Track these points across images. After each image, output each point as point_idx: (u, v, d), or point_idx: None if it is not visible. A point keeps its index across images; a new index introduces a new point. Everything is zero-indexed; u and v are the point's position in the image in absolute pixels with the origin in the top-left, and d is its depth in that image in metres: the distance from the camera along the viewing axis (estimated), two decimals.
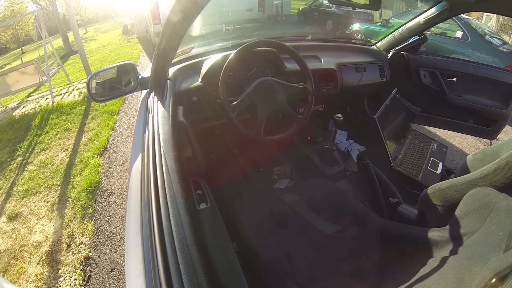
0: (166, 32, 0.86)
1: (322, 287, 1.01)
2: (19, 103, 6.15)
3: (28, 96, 6.54)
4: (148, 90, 1.17)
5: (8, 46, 18.08)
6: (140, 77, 1.11)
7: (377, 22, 5.87)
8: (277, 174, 1.69)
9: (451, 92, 1.89)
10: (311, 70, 1.39)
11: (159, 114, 0.92)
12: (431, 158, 1.69)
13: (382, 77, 1.88)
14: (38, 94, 6.48)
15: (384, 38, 1.97)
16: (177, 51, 1.61)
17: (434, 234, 0.92)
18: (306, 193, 1.32)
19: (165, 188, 0.64)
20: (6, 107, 6.20)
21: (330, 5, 7.22)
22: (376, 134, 1.63)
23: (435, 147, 1.80)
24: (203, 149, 1.29)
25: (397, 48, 1.96)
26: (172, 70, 1.35)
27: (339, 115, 1.50)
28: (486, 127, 1.90)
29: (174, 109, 1.02)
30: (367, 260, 1.05)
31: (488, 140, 2.79)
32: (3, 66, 13.28)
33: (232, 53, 1.22)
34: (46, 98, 5.63)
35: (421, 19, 1.66)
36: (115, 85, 1.10)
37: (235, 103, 1.22)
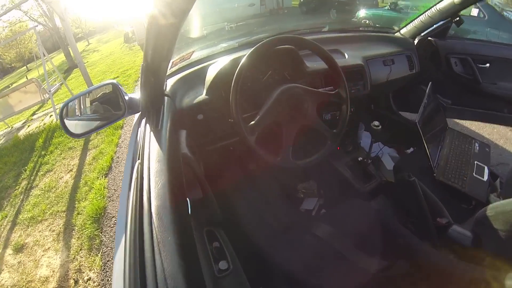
0: (151, 38, 0.64)
1: None
2: (24, 123, 6.10)
3: (33, 114, 6.49)
4: (140, 114, 0.95)
5: (13, 65, 18.30)
6: (127, 98, 0.89)
7: (384, 6, 5.61)
8: (303, 192, 1.47)
9: (484, 80, 1.69)
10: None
11: (152, 148, 0.71)
12: (475, 162, 1.45)
13: (411, 69, 1.64)
14: (42, 111, 6.42)
15: (409, 23, 1.72)
16: (174, 59, 1.40)
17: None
18: (341, 220, 1.09)
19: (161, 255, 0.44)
20: (12, 127, 6.15)
21: None
22: (410, 137, 1.48)
23: (477, 148, 1.55)
24: (216, 183, 1.10)
25: (423, 34, 1.73)
26: (169, 83, 1.13)
27: (376, 123, 1.23)
28: None
29: (173, 137, 0.81)
30: None
31: None
32: (10, 85, 13.43)
33: (244, 56, 0.97)
34: (50, 116, 5.55)
35: None
36: (96, 113, 0.88)
37: (253, 123, 0.96)
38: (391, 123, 1.81)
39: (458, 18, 1.56)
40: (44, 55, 5.19)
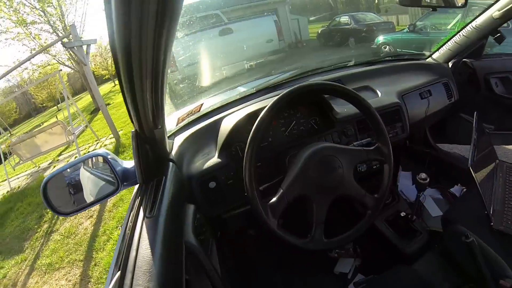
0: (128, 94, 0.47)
1: None
2: (50, 163, 6.26)
3: (59, 155, 6.66)
4: (138, 186, 0.80)
5: (45, 104, 19.35)
6: (120, 169, 0.75)
7: (403, 29, 5.48)
8: (336, 252, 1.27)
9: None
10: None
11: (144, 234, 0.57)
12: None
13: (450, 98, 1.45)
14: (68, 152, 6.58)
15: (442, 46, 1.55)
16: (181, 115, 1.23)
17: None
18: None
19: None
20: (39, 167, 6.32)
21: (349, 22, 6.88)
22: (453, 172, 1.36)
23: None
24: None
25: (456, 57, 1.56)
26: (175, 144, 0.98)
27: (423, 175, 1.04)
28: None
29: (174, 220, 0.67)
30: None
31: None
32: (41, 124, 14.12)
33: (264, 109, 0.78)
34: (75, 157, 5.65)
35: (493, 12, 1.27)
36: (88, 187, 0.76)
37: (274, 200, 0.76)
38: (430, 159, 1.60)
39: (498, 34, 1.38)
40: (68, 98, 5.37)
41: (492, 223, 1.09)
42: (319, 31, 7.42)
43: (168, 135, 0.97)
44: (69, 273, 2.36)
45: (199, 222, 0.80)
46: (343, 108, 1.05)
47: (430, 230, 1.26)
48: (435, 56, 1.58)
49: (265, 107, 0.79)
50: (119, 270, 0.52)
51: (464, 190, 1.45)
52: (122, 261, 0.54)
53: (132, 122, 0.61)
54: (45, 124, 9.01)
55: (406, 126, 1.18)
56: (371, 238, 1.28)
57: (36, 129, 6.87)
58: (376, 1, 7.17)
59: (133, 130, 0.68)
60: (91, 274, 2.21)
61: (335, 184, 0.79)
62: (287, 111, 1.02)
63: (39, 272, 2.54)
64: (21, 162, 5.45)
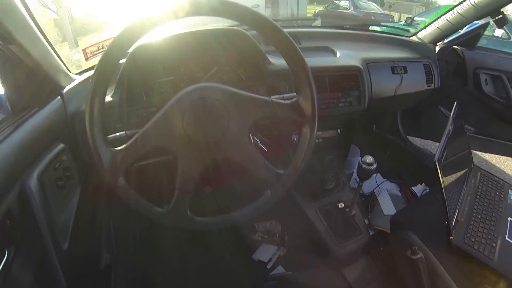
0: None
1: None
2: None
3: None
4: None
5: None
6: None
7: (400, 22, 5.36)
8: (260, 235, 1.09)
9: None
10: (318, 69, 0.81)
11: None
12: (509, 219, 1.04)
13: (429, 83, 1.27)
14: None
15: (430, 23, 1.37)
16: (86, 46, 1.03)
17: None
18: None
19: None
20: None
21: (348, 7, 6.90)
22: (418, 170, 1.26)
23: (511, 198, 1.15)
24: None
25: (447, 40, 1.41)
26: (75, 82, 0.81)
27: (369, 159, 0.83)
28: None
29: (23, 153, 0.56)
30: None
31: None
32: None
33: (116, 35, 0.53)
34: None
35: None
36: None
37: (123, 147, 0.54)
38: (396, 151, 1.47)
39: (500, 16, 1.20)
40: None
41: (451, 237, 0.93)
42: (316, 11, 7.43)
43: (77, 72, 0.84)
44: None
45: (62, 166, 0.67)
46: (281, 61, 0.83)
47: (377, 229, 1.10)
48: (420, 34, 1.42)
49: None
50: None
51: (427, 191, 1.30)
52: None
53: None
54: None
55: (364, 97, 0.99)
56: (302, 228, 1.10)
57: None
58: None
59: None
60: None
61: (215, 141, 0.55)
62: (209, 55, 0.81)
63: None
64: None
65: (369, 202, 1.20)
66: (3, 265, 0.48)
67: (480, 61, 1.43)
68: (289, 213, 1.12)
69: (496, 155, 2.23)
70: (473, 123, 1.56)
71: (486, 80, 1.44)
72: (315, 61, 0.81)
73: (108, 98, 0.72)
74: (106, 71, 0.50)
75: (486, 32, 3.87)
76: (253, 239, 1.18)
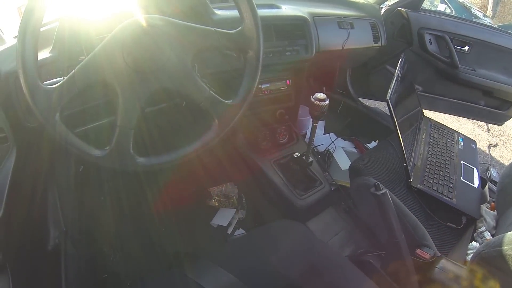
0: None
1: None
2: None
3: None
4: None
5: None
6: None
7: None
8: (216, 199, 1.09)
9: (462, 65, 1.52)
10: (265, 18, 0.82)
11: None
12: (462, 162, 1.16)
13: (376, 41, 1.32)
14: None
15: None
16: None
17: None
18: (260, 258, 0.66)
19: None
20: None
21: None
22: (371, 126, 1.29)
23: (462, 144, 1.28)
24: None
25: (391, 2, 1.51)
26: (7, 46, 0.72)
27: (320, 95, 0.84)
28: (499, 110, 1.63)
29: None
30: None
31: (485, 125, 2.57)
32: None
33: None
34: None
35: None
36: None
37: (58, 84, 0.51)
38: (348, 109, 1.52)
39: None
40: None
41: (411, 179, 1.00)
42: None
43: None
44: None
45: None
46: (226, 12, 0.83)
47: (336, 184, 1.14)
48: None
49: None
50: None
51: (383, 141, 1.37)
52: None
53: None
54: None
55: (312, 46, 1.00)
56: (259, 187, 1.11)
57: None
58: None
59: None
60: None
61: (155, 68, 0.53)
62: (149, 5, 0.75)
63: None
64: None
65: (326, 159, 1.24)
66: None
67: (424, 22, 1.50)
68: (244, 173, 1.12)
69: None
70: (420, 82, 1.64)
71: (430, 40, 1.52)
72: (260, 12, 0.80)
73: (45, 54, 0.66)
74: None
75: (430, 5, 4.08)
76: (209, 204, 1.17)
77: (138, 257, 1.04)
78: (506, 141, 2.47)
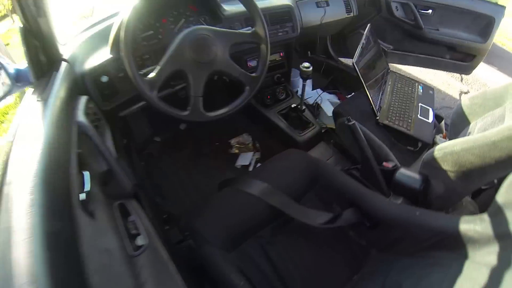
0: None
1: None
2: None
3: None
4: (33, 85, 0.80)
5: None
6: (12, 71, 0.75)
7: None
8: (236, 147, 1.47)
9: (426, 26, 1.73)
10: (262, 10, 1.09)
11: (28, 127, 0.62)
12: (420, 104, 1.48)
13: (349, 12, 1.62)
14: None
15: None
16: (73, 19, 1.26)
17: (469, 227, 0.66)
18: (279, 174, 1.00)
19: None
20: None
21: None
22: (350, 81, 1.46)
23: (421, 91, 1.59)
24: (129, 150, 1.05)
25: None
26: (71, 48, 0.99)
27: (306, 64, 1.21)
28: (464, 62, 1.81)
29: (65, 107, 0.71)
30: (375, 258, 0.86)
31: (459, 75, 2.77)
32: None
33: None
34: None
35: None
36: None
37: (152, 75, 0.85)
38: (330, 69, 1.81)
39: None
40: None
41: (377, 117, 1.31)
42: None
43: (63, 43, 0.99)
44: None
45: (92, 111, 0.85)
46: (232, 7, 1.15)
47: (326, 127, 1.50)
48: None
49: None
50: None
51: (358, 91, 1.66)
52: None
53: (21, 10, 0.63)
54: None
55: (297, 26, 1.33)
56: (268, 133, 1.47)
57: None
58: None
59: (22, 25, 0.70)
60: None
61: (210, 60, 0.90)
62: (176, 10, 1.08)
63: None
64: None
65: (315, 109, 1.60)
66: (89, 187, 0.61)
67: None
68: (256, 124, 1.49)
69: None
70: (390, 42, 1.87)
71: (396, 7, 1.72)
72: (259, 3, 1.12)
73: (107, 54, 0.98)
74: (129, 26, 0.80)
75: None
76: (231, 152, 1.52)
77: (186, 200, 1.40)
78: (478, 89, 2.70)
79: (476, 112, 1.07)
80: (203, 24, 1.08)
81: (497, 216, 0.61)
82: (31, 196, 0.44)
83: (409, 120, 1.36)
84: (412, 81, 1.64)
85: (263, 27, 0.95)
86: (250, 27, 1.03)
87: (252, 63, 1.27)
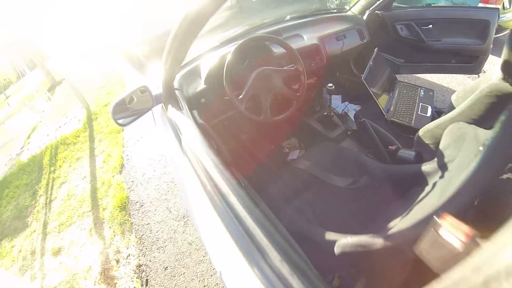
0: (172, 48, 0.90)
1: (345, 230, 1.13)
2: (22, 147, 6.23)
3: (28, 137, 6.61)
4: (162, 104, 1.28)
5: None
6: (154, 95, 1.21)
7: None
8: (287, 147, 1.89)
9: (429, 39, 1.99)
10: (297, 50, 1.53)
11: (182, 122, 1.08)
12: (420, 104, 1.85)
13: (362, 39, 2.01)
14: (36, 132, 6.52)
15: (357, 2, 2.09)
16: None
17: (427, 167, 1.06)
18: (318, 156, 1.46)
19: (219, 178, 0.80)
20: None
21: None
22: (367, 93, 1.76)
23: (422, 93, 1.95)
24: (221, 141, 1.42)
25: (371, 9, 2.08)
26: (176, 80, 1.43)
27: (330, 84, 1.68)
28: (469, 64, 2.00)
29: (191, 114, 1.17)
30: (380, 201, 1.20)
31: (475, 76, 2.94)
32: None
33: (229, 53, 1.38)
34: (48, 135, 5.71)
35: None
36: (133, 107, 1.17)
37: (241, 96, 1.39)
38: (354, 85, 2.19)
39: None
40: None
41: (385, 116, 1.72)
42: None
43: None
44: (82, 224, 2.65)
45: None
46: (279, 49, 1.59)
47: (351, 128, 1.89)
48: (353, 9, 2.11)
49: (229, 52, 1.38)
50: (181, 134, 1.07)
51: None
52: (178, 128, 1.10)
53: (167, 57, 1.00)
54: None
55: (324, 58, 1.77)
56: (309, 133, 1.90)
57: None
58: None
59: (163, 66, 1.08)
60: (103, 217, 2.57)
61: (272, 87, 1.41)
62: (243, 55, 1.53)
63: (52, 234, 2.71)
64: None
65: (343, 117, 1.98)
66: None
67: (395, 17, 2.04)
68: (301, 129, 1.94)
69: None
70: (401, 57, 2.20)
71: (401, 28, 2.06)
72: (296, 45, 1.57)
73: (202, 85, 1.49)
74: (230, 67, 1.31)
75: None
76: (284, 151, 1.97)
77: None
78: None
79: (460, 103, 1.30)
80: (261, 64, 1.51)
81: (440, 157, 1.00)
82: None
83: (411, 116, 1.75)
84: (415, 87, 2.00)
85: (301, 64, 1.44)
86: (293, 65, 1.48)
87: (296, 86, 1.67)
